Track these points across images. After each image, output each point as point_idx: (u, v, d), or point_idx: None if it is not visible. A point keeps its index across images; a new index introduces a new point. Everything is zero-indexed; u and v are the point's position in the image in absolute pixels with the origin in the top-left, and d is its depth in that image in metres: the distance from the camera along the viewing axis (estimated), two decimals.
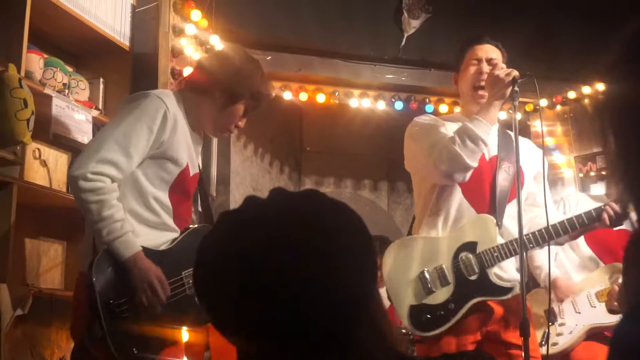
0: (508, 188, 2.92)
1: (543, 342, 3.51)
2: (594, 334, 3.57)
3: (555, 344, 3.59)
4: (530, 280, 3.78)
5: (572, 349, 3.60)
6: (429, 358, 2.69)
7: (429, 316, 2.78)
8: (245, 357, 1.06)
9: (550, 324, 3.61)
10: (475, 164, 2.79)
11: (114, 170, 2.49)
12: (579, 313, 3.62)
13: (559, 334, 3.63)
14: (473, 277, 2.81)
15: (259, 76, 2.82)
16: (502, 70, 2.80)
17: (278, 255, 0.99)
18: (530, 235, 2.81)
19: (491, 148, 2.96)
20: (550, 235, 2.82)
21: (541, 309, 3.66)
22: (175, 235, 2.71)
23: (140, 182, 2.62)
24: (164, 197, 2.67)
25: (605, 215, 2.85)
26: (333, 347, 1.01)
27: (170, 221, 2.69)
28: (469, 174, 2.82)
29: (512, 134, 3.05)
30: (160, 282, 2.53)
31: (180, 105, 2.72)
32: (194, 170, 2.79)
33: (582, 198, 3.75)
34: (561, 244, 3.07)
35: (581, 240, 3.56)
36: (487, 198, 2.90)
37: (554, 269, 3.62)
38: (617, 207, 2.86)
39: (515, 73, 2.76)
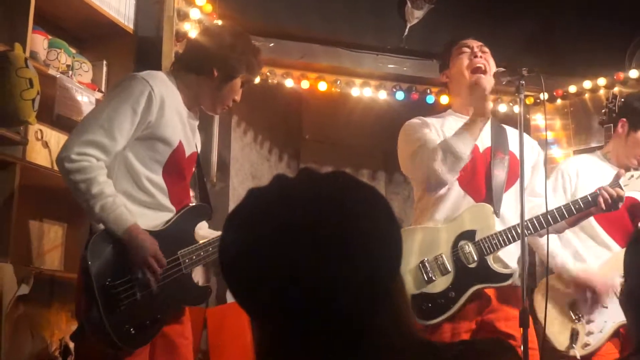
0: (504, 178, 2.95)
1: (573, 345, 3.25)
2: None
3: (586, 345, 3.29)
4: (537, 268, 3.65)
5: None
6: (445, 343, 2.70)
7: (430, 305, 2.81)
8: (265, 337, 1.06)
9: (576, 321, 3.32)
10: (453, 178, 2.85)
11: (97, 151, 2.51)
12: (606, 308, 3.28)
13: (589, 333, 3.30)
14: (472, 265, 2.84)
15: (252, 50, 2.86)
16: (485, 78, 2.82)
17: (305, 236, 0.99)
18: (528, 221, 2.84)
19: (485, 140, 2.99)
20: (548, 221, 2.84)
21: (561, 303, 3.38)
22: (171, 215, 2.72)
23: (131, 164, 2.63)
24: (157, 177, 2.68)
25: (601, 200, 2.88)
26: (354, 330, 1.01)
27: (165, 201, 2.70)
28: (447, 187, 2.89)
29: (506, 127, 3.09)
30: (156, 255, 2.54)
31: (174, 84, 2.73)
32: (190, 150, 2.80)
33: (581, 166, 3.53)
34: (560, 231, 3.09)
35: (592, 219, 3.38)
36: (484, 188, 2.93)
37: (564, 251, 3.35)
38: (612, 191, 2.90)
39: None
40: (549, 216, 2.84)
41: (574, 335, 3.28)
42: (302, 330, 1.01)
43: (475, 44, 3.05)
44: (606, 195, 2.88)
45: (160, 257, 2.55)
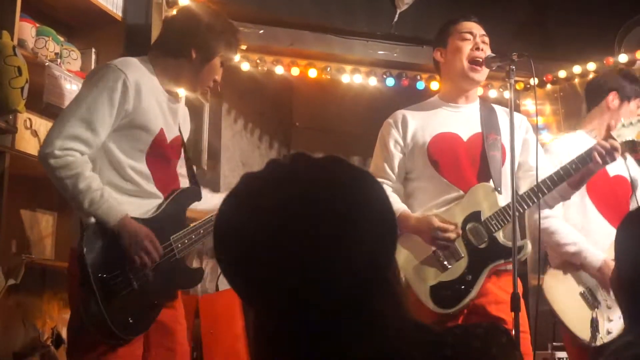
0: (500, 158, 2.97)
1: (597, 333, 3.10)
2: None
3: (609, 332, 3.21)
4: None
5: None
6: (442, 327, 2.71)
7: (449, 292, 2.83)
8: (262, 323, 1.06)
9: (595, 308, 3.23)
10: None
11: (81, 145, 2.50)
12: None
13: (609, 320, 3.23)
14: (483, 245, 2.87)
15: (230, 29, 2.84)
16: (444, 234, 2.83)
17: (301, 220, 0.99)
18: (529, 191, 2.86)
19: (470, 127, 3.01)
20: (548, 186, 2.85)
21: (574, 293, 3.29)
22: (159, 201, 2.71)
23: (114, 154, 2.62)
24: (141, 165, 2.67)
25: (595, 154, 2.88)
26: (351, 314, 1.02)
27: (152, 188, 2.70)
28: None
29: (496, 107, 3.09)
30: (152, 242, 2.55)
31: (150, 69, 2.71)
32: (171, 135, 2.78)
33: (571, 145, 3.43)
34: (567, 197, 3.04)
35: (587, 201, 3.40)
36: (470, 174, 2.95)
37: (596, 251, 3.27)
38: (605, 143, 2.89)
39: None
40: (548, 182, 2.86)
41: (594, 324, 3.13)
42: (299, 316, 1.01)
43: (478, 31, 3.03)
44: (599, 149, 2.88)
45: (155, 241, 2.56)
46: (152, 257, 2.54)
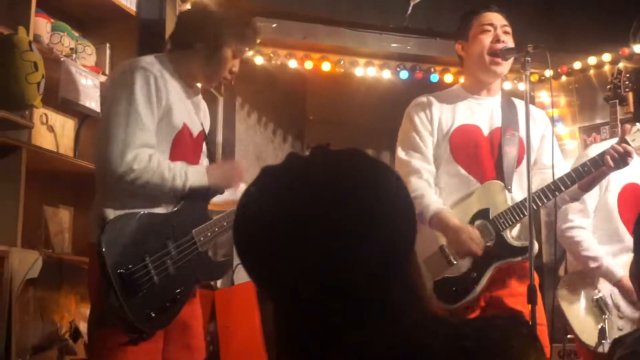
0: (515, 155, 2.94)
1: (602, 341, 3.16)
2: None
3: None
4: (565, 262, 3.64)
5: None
6: (463, 319, 2.72)
7: (454, 288, 2.81)
8: (281, 316, 1.06)
9: (605, 316, 3.24)
10: None
11: (145, 149, 2.55)
12: (638, 303, 3.15)
13: (620, 329, 3.22)
14: (490, 243, 2.84)
15: (241, 20, 2.83)
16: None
17: (321, 212, 0.99)
18: (539, 191, 2.83)
19: (492, 121, 2.99)
20: (559, 188, 2.83)
21: (588, 298, 3.32)
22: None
23: None
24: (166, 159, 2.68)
25: (608, 157, 2.84)
26: (371, 305, 1.02)
27: None
28: None
29: (515, 101, 3.07)
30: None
31: (169, 66, 2.73)
32: (196, 129, 2.81)
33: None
34: (576, 199, 3.02)
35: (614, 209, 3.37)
36: (490, 169, 2.92)
37: (615, 264, 3.27)
38: (619, 148, 2.85)
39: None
40: (559, 183, 2.83)
41: (602, 331, 3.18)
42: (319, 307, 1.01)
43: (499, 22, 2.98)
44: (612, 152, 2.84)
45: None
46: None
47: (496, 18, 3.00)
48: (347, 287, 1.00)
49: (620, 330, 3.22)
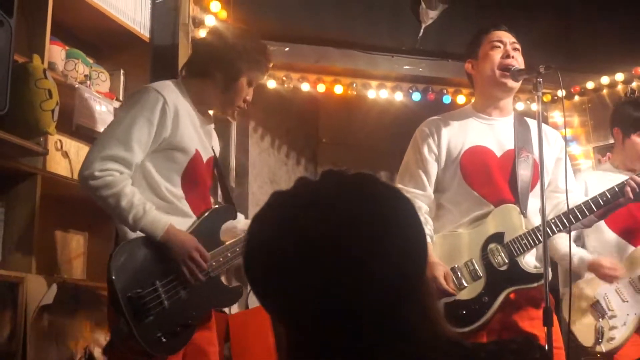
0: (529, 177, 2.91)
1: (600, 340, 3.41)
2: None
3: (611, 339, 3.42)
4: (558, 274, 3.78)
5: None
6: (477, 343, 2.69)
7: (464, 312, 2.78)
8: (292, 339, 1.06)
9: (600, 318, 3.47)
10: None
11: (118, 165, 2.54)
12: (627, 302, 3.46)
13: (612, 328, 3.45)
14: (503, 268, 2.81)
15: (256, 48, 2.85)
16: None
17: (331, 239, 0.99)
18: (556, 218, 2.81)
19: (504, 143, 2.97)
20: (576, 216, 2.82)
21: (585, 302, 3.54)
22: (193, 220, 2.73)
23: (151, 174, 2.66)
24: (176, 186, 2.69)
25: (628, 189, 2.83)
26: (382, 328, 1.02)
27: (185, 207, 2.71)
28: None
29: (529, 121, 3.06)
30: (199, 251, 2.57)
31: (184, 93, 2.74)
32: (207, 155, 2.81)
33: (601, 175, 3.65)
34: (589, 226, 3.04)
35: (603, 225, 3.48)
36: (503, 191, 2.90)
37: (587, 253, 3.51)
38: (639, 179, 2.85)
39: None
40: (577, 211, 2.82)
41: (598, 332, 3.41)
42: (331, 331, 1.01)
43: (509, 39, 2.98)
44: (633, 184, 2.83)
45: (202, 250, 2.59)
46: (201, 266, 2.56)
47: (505, 35, 3.00)
48: (360, 311, 1.00)
49: (614, 328, 3.43)
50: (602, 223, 3.36)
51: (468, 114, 3.07)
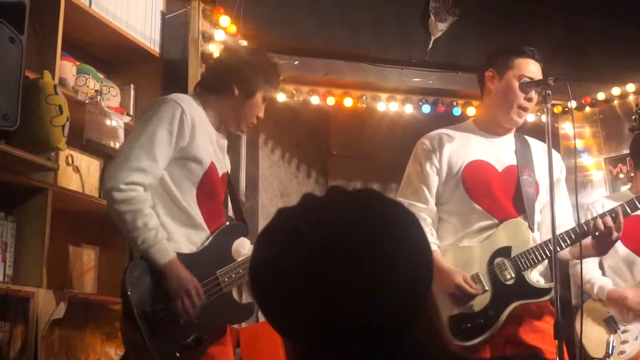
0: (533, 194, 2.92)
1: (610, 353, 3.48)
2: None
3: (622, 353, 3.50)
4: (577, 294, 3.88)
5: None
6: (482, 359, 2.68)
7: (469, 325, 2.76)
8: (302, 356, 1.06)
9: (613, 332, 3.56)
10: None
11: (143, 176, 2.55)
12: None
13: (624, 342, 3.54)
14: (510, 282, 2.80)
15: (269, 64, 2.89)
16: None
17: (336, 256, 0.99)
18: (564, 233, 2.80)
19: (505, 158, 2.97)
20: (585, 232, 2.80)
21: (598, 318, 3.63)
22: (206, 234, 2.74)
23: (167, 184, 2.66)
24: (192, 198, 2.70)
25: (596, 223, 2.81)
26: (389, 346, 1.01)
27: (200, 220, 2.72)
28: None
29: (530, 140, 3.05)
30: (196, 289, 2.56)
31: (200, 107, 2.76)
32: (222, 170, 2.82)
33: (607, 203, 3.66)
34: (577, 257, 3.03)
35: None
36: (508, 205, 2.90)
37: (606, 279, 3.64)
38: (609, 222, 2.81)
39: None
40: (584, 227, 2.81)
41: (609, 346, 3.51)
42: (338, 349, 1.01)
43: (538, 77, 2.91)
44: (600, 224, 2.80)
45: (198, 287, 2.58)
46: (194, 303, 2.55)
47: (536, 73, 2.93)
48: (366, 329, 1.00)
49: (626, 342, 3.53)
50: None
51: (469, 130, 3.07)
